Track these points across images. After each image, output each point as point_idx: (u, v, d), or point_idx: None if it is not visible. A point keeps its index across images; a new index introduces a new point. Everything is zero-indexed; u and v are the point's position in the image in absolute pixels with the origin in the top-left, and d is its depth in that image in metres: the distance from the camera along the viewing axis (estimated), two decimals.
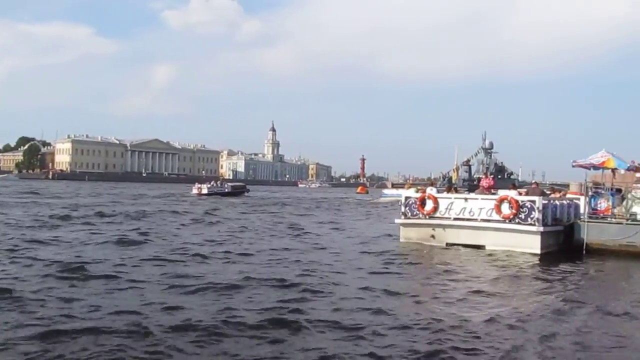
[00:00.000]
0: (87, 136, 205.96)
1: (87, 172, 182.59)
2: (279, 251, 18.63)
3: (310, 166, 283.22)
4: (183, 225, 27.78)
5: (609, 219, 20.05)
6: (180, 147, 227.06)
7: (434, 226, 20.50)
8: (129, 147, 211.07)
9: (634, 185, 20.86)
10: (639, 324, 10.39)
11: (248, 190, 77.15)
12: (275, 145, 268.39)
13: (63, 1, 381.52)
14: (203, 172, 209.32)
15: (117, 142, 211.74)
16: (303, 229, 27.52)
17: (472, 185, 62.28)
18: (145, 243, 19.46)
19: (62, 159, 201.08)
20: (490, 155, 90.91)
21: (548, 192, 23.23)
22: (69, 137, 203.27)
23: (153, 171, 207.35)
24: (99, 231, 23.11)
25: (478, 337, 8.74)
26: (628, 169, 22.68)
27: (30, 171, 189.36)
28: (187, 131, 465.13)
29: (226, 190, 72.28)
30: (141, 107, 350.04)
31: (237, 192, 73.68)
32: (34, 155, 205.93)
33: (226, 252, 17.79)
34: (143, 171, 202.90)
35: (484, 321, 9.71)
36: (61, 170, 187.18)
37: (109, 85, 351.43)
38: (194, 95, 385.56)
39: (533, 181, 42.67)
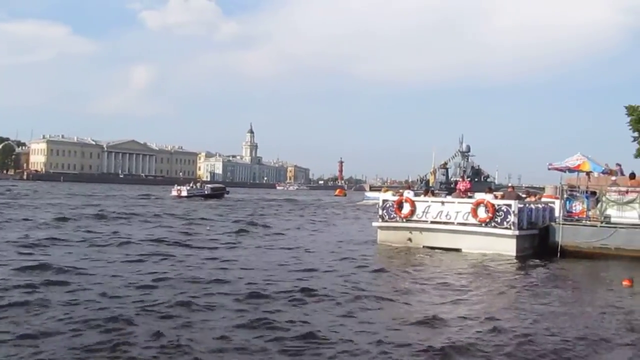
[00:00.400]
0: (62, 136, 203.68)
1: (62, 172, 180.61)
2: (253, 255, 18.55)
3: (289, 168, 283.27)
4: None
5: (583, 221, 20.22)
6: (157, 148, 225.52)
7: (411, 229, 20.56)
8: (105, 148, 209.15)
9: (608, 188, 21.07)
10: (599, 319, 10.87)
11: (228, 192, 76.63)
12: (254, 147, 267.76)
13: None
14: (180, 173, 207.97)
15: (94, 142, 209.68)
16: (283, 233, 27.42)
17: (449, 188, 62.68)
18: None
19: (37, 160, 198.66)
20: (467, 159, 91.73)
21: (524, 196, 23.44)
22: (44, 137, 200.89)
23: (130, 172, 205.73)
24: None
25: (449, 333, 9.10)
26: (603, 172, 22.95)
27: (4, 172, 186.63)
28: (165, 133, 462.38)
29: (206, 192, 71.83)
30: (119, 108, 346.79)
31: (216, 194, 73.10)
32: (8, 156, 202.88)
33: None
34: (120, 172, 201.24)
35: (455, 317, 10.22)
36: (36, 171, 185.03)
37: (86, 86, 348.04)
38: (173, 97, 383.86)
39: (509, 185, 43.04)
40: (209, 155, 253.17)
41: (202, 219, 34.59)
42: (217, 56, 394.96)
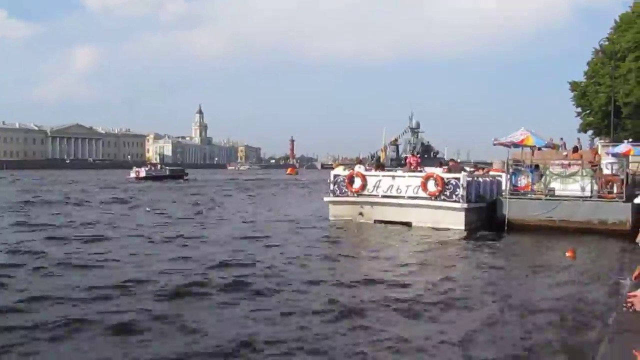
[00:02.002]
0: (3, 123, 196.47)
1: (4, 160, 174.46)
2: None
3: (240, 148, 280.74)
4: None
5: (529, 195, 20.74)
6: (103, 132, 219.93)
7: (362, 204, 20.76)
8: (49, 134, 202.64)
9: (552, 161, 21.62)
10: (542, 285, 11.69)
11: (187, 174, 76.77)
12: (203, 127, 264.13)
13: None
14: (129, 157, 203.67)
15: (37, 128, 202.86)
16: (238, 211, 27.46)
17: (400, 165, 63.25)
18: None
19: None
20: (417, 135, 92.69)
21: (469, 169, 23.87)
22: None
23: (77, 157, 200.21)
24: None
25: (393, 293, 9.94)
26: (546, 146, 23.55)
27: None
28: (112, 117, 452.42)
29: (165, 173, 73.11)
30: (62, 92, 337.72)
31: (176, 175, 73.94)
32: None
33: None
34: (66, 158, 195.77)
35: (400, 282, 11.05)
36: None
37: (26, 70, 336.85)
38: (118, 79, 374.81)
39: (450, 159, 43.78)
40: (157, 137, 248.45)
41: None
42: (163, 36, 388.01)
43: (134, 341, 7.32)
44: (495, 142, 21.72)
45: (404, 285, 10.91)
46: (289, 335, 7.55)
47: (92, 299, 9.23)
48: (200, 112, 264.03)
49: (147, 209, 27.87)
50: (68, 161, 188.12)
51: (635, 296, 7.97)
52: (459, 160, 39.68)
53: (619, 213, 18.91)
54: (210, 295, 9.69)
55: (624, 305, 7.95)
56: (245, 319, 8.33)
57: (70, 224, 20.54)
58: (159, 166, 79.73)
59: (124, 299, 9.34)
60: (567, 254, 15.02)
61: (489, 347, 7.44)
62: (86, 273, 11.52)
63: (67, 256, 13.30)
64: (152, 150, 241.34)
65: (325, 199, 22.35)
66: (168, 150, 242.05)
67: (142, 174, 70.51)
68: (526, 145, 21.73)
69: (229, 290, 9.97)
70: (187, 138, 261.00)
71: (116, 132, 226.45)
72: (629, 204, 18.44)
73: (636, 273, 7.96)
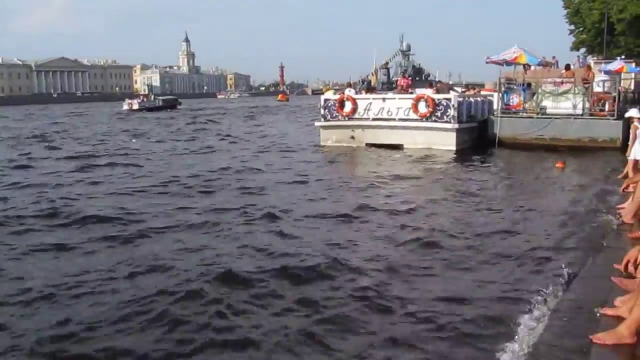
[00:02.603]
0: None
1: None
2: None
3: (229, 76, 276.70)
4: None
5: (520, 113, 20.64)
6: (89, 64, 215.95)
7: (353, 127, 20.63)
8: (34, 68, 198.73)
9: (544, 80, 21.42)
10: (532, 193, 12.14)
11: (180, 104, 75.96)
12: (191, 56, 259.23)
13: None
14: (117, 88, 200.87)
15: (21, 62, 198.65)
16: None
17: (391, 88, 62.53)
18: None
19: None
20: (408, 58, 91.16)
21: (460, 90, 23.67)
22: None
23: (64, 91, 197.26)
24: None
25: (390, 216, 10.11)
26: (539, 64, 23.29)
27: None
28: (97, 49, 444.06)
29: (159, 104, 71.83)
30: (44, 25, 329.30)
31: (169, 105, 72.87)
32: None
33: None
34: (53, 92, 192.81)
35: (392, 201, 11.31)
36: None
37: (5, 2, 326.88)
38: (101, 10, 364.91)
39: (438, 80, 43.31)
40: (144, 67, 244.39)
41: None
42: None
43: None
44: (487, 60, 21.44)
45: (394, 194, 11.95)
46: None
47: None
48: (187, 40, 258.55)
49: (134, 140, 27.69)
50: (55, 95, 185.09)
51: (623, 208, 8.06)
52: (450, 82, 39.36)
53: (610, 131, 18.89)
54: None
55: (616, 216, 8.07)
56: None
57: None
58: (151, 97, 78.41)
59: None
60: (557, 165, 15.20)
61: (477, 254, 7.67)
62: None
63: None
64: (140, 82, 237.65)
65: (316, 123, 22.18)
66: (156, 81, 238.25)
67: (135, 106, 69.61)
68: (519, 63, 21.49)
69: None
70: (175, 68, 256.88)
71: (102, 63, 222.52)
72: (621, 122, 18.38)
73: (624, 186, 8.01)
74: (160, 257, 7.52)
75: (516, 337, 4.74)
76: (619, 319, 3.72)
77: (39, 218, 9.88)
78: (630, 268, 4.33)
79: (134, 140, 27.31)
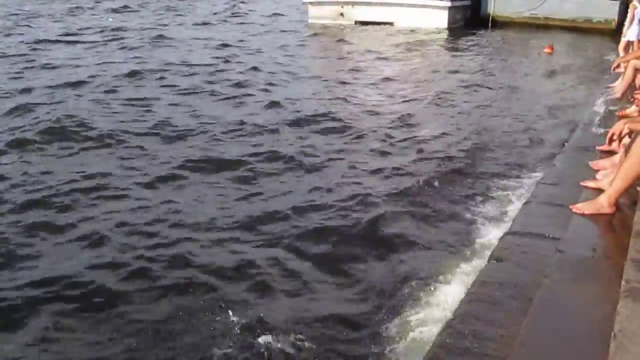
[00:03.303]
0: None
1: None
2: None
3: None
4: None
5: None
6: None
7: (342, 4, 19.89)
8: None
9: None
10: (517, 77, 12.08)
11: None
12: None
13: None
14: None
15: None
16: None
17: None
18: None
19: None
20: None
21: None
22: None
23: None
24: None
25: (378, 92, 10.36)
26: None
27: None
28: None
29: None
30: None
31: None
32: None
33: None
34: None
35: (382, 79, 11.40)
36: None
37: None
38: None
39: None
40: None
41: None
42: None
43: None
44: None
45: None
46: None
47: None
48: None
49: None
50: None
51: (613, 87, 8.02)
52: None
53: (605, 11, 18.51)
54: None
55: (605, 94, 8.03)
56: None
57: None
58: None
59: None
60: (545, 50, 14.97)
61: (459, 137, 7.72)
62: None
63: None
64: None
65: (304, 0, 21.28)
66: None
67: None
68: None
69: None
70: None
71: None
72: (617, 2, 17.94)
73: (615, 65, 7.90)
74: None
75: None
76: (600, 191, 3.75)
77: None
78: (615, 144, 4.32)
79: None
